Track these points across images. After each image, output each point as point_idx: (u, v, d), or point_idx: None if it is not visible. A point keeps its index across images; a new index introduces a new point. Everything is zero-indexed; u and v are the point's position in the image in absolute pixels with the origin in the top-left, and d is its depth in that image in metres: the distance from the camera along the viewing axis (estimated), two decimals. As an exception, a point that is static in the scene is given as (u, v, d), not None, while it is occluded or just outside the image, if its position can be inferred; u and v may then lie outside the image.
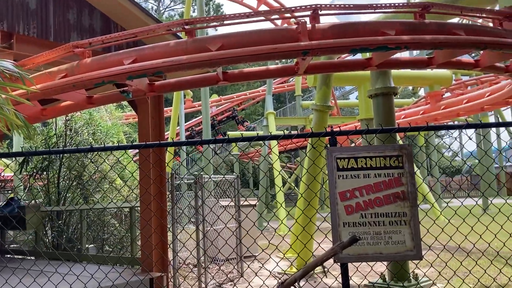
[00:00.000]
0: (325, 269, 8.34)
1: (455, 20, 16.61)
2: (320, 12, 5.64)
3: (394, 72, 13.81)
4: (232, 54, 5.32)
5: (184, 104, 27.78)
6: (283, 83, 31.82)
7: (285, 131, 29.13)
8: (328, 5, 5.73)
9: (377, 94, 8.57)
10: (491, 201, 3.83)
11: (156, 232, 7.88)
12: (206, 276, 8.71)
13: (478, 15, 6.54)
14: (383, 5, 5.88)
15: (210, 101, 31.90)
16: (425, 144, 29.49)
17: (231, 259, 10.23)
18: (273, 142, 19.47)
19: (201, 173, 9.13)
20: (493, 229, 3.96)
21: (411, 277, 7.89)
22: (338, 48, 5.40)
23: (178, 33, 8.47)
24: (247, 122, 33.75)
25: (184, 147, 26.50)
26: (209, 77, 6.35)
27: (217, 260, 10.70)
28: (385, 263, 7.72)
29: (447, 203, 3.80)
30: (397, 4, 5.96)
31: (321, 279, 8.24)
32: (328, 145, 3.18)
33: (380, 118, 8.52)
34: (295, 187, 30.88)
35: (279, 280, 2.60)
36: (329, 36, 5.60)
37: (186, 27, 5.64)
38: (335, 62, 6.65)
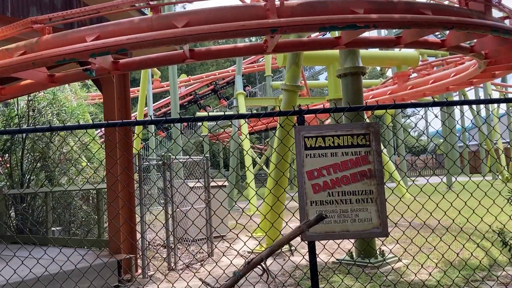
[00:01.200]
0: (292, 248, 8.42)
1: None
2: (287, -11, 5.55)
3: (362, 52, 13.88)
4: (199, 31, 5.18)
5: (152, 84, 27.29)
6: (253, 63, 31.61)
7: (254, 111, 29.09)
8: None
9: (346, 74, 8.58)
10: (455, 178, 3.90)
11: (122, 213, 7.76)
12: (175, 257, 8.66)
13: (444, -5, 6.56)
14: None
15: (179, 81, 31.47)
16: (392, 124, 29.98)
17: (200, 240, 10.20)
18: (242, 122, 19.41)
19: (169, 154, 8.99)
20: (457, 206, 4.06)
21: (377, 254, 8.06)
22: (307, 26, 5.33)
23: (144, 10, 8.23)
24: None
25: (153, 129, 26.09)
26: (176, 55, 6.19)
27: (186, 241, 10.65)
28: (352, 240, 7.86)
29: (413, 181, 3.86)
30: (366, -17, 5.91)
31: (289, 257, 8.31)
32: (296, 124, 3.14)
33: (348, 98, 8.56)
34: (265, 168, 31.01)
35: (246, 260, 2.57)
36: (298, 14, 5.52)
37: (151, 3, 5.46)
38: (304, 41, 6.59)
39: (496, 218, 4.33)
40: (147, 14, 7.29)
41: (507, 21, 8.43)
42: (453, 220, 4.21)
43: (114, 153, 7.95)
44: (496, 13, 7.50)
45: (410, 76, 15.67)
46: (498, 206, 4.19)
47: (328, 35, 15.14)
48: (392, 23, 5.62)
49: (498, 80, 36.11)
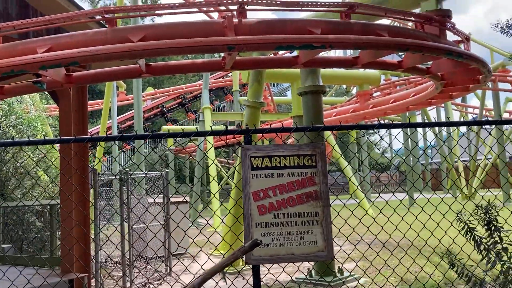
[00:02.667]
0: (226, 275, 8.26)
1: (387, 22, 17.21)
2: (246, 7, 5.55)
3: (326, 71, 14.10)
4: (154, 46, 5.10)
5: (117, 96, 26.85)
6: (221, 78, 31.62)
7: (222, 126, 28.99)
8: (255, 0, 5.64)
9: (306, 92, 8.65)
10: (422, 194, 3.93)
11: (75, 231, 7.48)
12: (130, 276, 8.40)
13: (401, 17, 6.73)
14: (310, 3, 5.88)
15: (145, 94, 31.08)
16: (356, 141, 30.46)
17: (158, 258, 9.96)
18: (210, 137, 19.28)
19: (128, 169, 8.78)
20: (418, 223, 4.10)
21: (336, 272, 8.05)
22: (264, 44, 5.34)
23: (102, 22, 8.08)
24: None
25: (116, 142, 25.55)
26: (132, 69, 6.08)
27: (145, 258, 10.38)
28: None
29: (377, 198, 3.86)
30: (323, 3, 5.98)
31: (231, 282, 8.21)
32: (243, 143, 3.09)
33: (309, 115, 8.61)
34: (232, 182, 30.81)
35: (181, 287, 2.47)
36: (256, 32, 5.52)
37: (106, 15, 5.35)
38: (261, 59, 6.60)
39: (452, 237, 4.38)
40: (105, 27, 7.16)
41: (462, 45, 8.70)
42: (414, 241, 4.23)
43: (69, 168, 7.69)
44: (453, 37, 7.73)
45: (373, 95, 15.99)
46: (455, 224, 4.24)
47: (295, 53, 15.33)
48: (348, 43, 5.68)
49: (458, 100, 37.36)
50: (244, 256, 2.94)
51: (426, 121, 30.24)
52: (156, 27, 5.66)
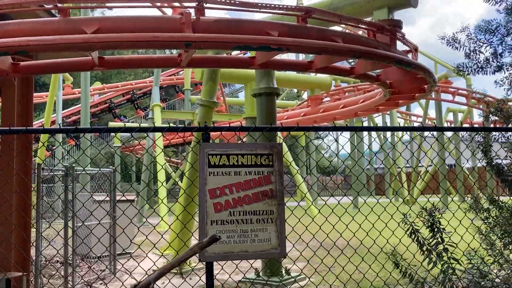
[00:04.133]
0: (182, 271, 8.19)
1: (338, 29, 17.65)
2: (205, 5, 5.53)
3: (279, 74, 14.27)
4: (108, 38, 4.97)
5: (63, 90, 25.86)
6: (172, 76, 31.19)
7: (171, 124, 28.63)
8: (214, -1, 5.63)
9: (261, 94, 8.71)
10: (364, 200, 4.07)
11: (16, 228, 7.13)
12: (74, 275, 8.12)
13: (355, 24, 6.93)
14: (269, 5, 5.94)
15: (92, 88, 30.12)
16: (306, 145, 31.02)
17: (104, 257, 9.68)
18: (157, 135, 18.97)
19: (74, 165, 8.48)
20: (364, 227, 4.24)
21: (283, 272, 8.16)
22: (222, 43, 5.33)
23: (53, 12, 7.76)
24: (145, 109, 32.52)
25: (60, 138, 24.59)
26: (83, 61, 5.89)
27: (89, 258, 10.06)
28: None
29: (328, 199, 3.95)
30: (282, 6, 6.07)
31: (184, 279, 8.14)
32: (201, 141, 3.08)
33: (262, 117, 8.68)
34: (180, 183, 30.49)
35: (133, 283, 2.43)
36: (213, 30, 5.51)
37: (59, 5, 5.15)
38: (218, 58, 6.59)
39: (399, 239, 4.56)
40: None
41: (410, 55, 9.07)
42: (355, 238, 4.36)
43: (11, 162, 7.32)
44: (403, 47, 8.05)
45: (323, 100, 16.35)
46: (400, 226, 4.41)
47: (249, 54, 15.41)
48: (304, 47, 5.79)
49: (403, 108, 38.92)
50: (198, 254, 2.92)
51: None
52: (112, 20, 5.51)
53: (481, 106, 20.96)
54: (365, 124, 36.44)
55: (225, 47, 5.49)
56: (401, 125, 37.45)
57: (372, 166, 33.23)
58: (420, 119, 32.81)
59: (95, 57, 5.65)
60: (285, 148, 21.34)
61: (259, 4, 5.85)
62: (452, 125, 29.52)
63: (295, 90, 41.91)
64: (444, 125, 29.40)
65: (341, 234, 4.23)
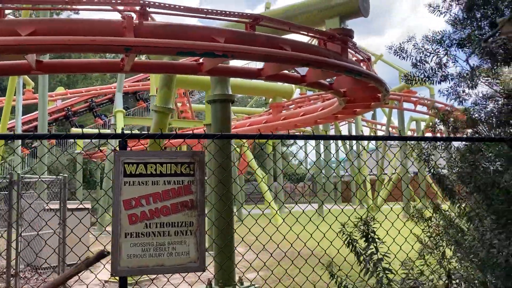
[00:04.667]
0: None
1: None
2: (148, 9, 5.41)
3: (239, 81, 14.21)
4: (44, 41, 4.79)
5: (24, 94, 25.06)
6: (138, 82, 30.70)
7: (133, 131, 28.13)
8: (158, 3, 5.51)
9: (215, 101, 8.60)
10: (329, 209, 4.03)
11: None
12: (18, 285, 7.78)
13: (305, 33, 6.93)
14: (215, 11, 5.86)
15: (55, 93, 29.37)
16: (272, 152, 31.04)
17: (53, 267, 9.33)
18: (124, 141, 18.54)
19: (16, 172, 8.15)
20: (328, 235, 4.19)
21: (236, 283, 8.02)
22: (164, 48, 5.22)
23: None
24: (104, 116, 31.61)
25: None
26: (20, 64, 5.66)
27: (38, 268, 9.68)
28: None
29: (294, 207, 3.86)
30: (228, 12, 5.99)
31: None
32: (117, 149, 2.94)
33: (217, 124, 8.57)
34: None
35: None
36: (157, 35, 5.39)
37: (-9, 4, 4.93)
38: (163, 63, 6.46)
39: (341, 248, 4.50)
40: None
41: (364, 65, 9.14)
42: (308, 247, 4.28)
43: None
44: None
45: (287, 107, 16.37)
46: (340, 235, 4.35)
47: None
48: (250, 54, 5.73)
49: (369, 117, 39.54)
50: (110, 267, 2.78)
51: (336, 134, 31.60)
52: (49, 22, 5.33)
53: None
54: (332, 132, 36.81)
55: (167, 52, 5.37)
56: (366, 133, 37.99)
57: (337, 175, 33.53)
58: (385, 127, 33.30)
59: (31, 61, 5.43)
60: (250, 155, 21.32)
61: (205, 10, 5.77)
62: (415, 134, 30.12)
63: (264, 98, 41.97)
64: (408, 134, 29.95)
65: (305, 244, 4.15)
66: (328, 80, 8.71)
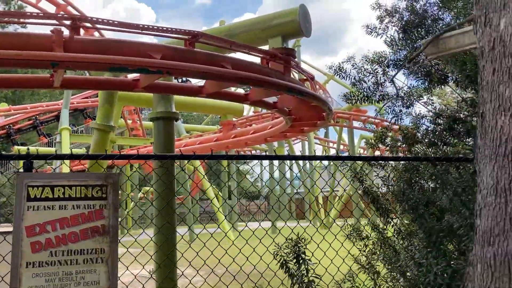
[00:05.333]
0: None
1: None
2: (79, 23, 5.20)
3: (189, 98, 14.04)
4: (-41, 55, 4.48)
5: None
6: (87, 98, 29.86)
7: (83, 149, 27.29)
8: (89, 18, 5.32)
9: (158, 118, 8.39)
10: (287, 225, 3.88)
11: None
12: None
13: (246, 51, 6.89)
14: (152, 27, 5.73)
15: (-4, 110, 28.08)
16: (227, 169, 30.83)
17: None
18: (67, 162, 17.87)
19: None
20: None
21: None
22: (94, 64, 5.01)
23: None
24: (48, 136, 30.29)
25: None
26: None
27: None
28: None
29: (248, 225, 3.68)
30: (167, 28, 5.87)
31: None
32: (20, 170, 2.72)
33: (159, 142, 8.34)
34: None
35: None
36: (89, 51, 5.18)
37: None
38: (96, 79, 6.23)
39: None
40: None
41: (308, 84, 9.20)
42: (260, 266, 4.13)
43: None
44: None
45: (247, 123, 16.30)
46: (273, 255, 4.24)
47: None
48: (187, 71, 5.61)
49: (321, 135, 40.19)
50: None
51: (289, 153, 31.86)
52: (-30, 34, 5.01)
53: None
54: (286, 149, 37.07)
55: (98, 68, 5.16)
56: (319, 152, 38.51)
57: (288, 193, 33.66)
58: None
59: None
60: (201, 174, 21.01)
61: (141, 26, 5.61)
62: (365, 152, 30.83)
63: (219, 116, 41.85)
64: (359, 151, 30.59)
65: (259, 262, 3.99)
66: (274, 99, 8.70)
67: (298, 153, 35.51)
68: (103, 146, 9.10)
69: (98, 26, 5.34)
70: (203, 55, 6.05)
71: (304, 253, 3.95)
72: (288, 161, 36.48)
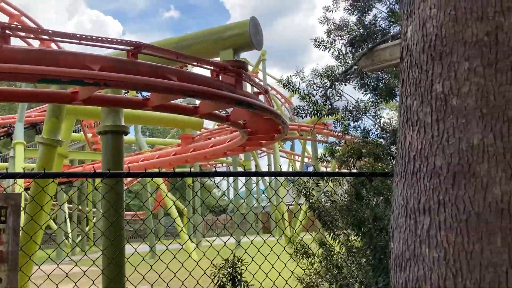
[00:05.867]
0: None
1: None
2: (8, 32, 4.91)
3: (147, 111, 13.70)
4: None
5: None
6: (45, 112, 28.89)
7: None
8: (20, 27, 5.02)
9: (106, 132, 8.06)
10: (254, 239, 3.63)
11: None
12: None
13: (194, 63, 6.71)
14: (90, 37, 5.47)
15: None
16: (192, 184, 30.39)
17: None
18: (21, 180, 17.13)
19: None
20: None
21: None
22: (23, 75, 4.72)
23: None
24: None
25: None
26: None
27: None
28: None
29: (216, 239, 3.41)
30: (106, 39, 5.63)
31: None
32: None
33: (108, 157, 8.01)
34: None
35: None
36: (22, 61, 4.89)
37: None
38: (23, 91, 5.95)
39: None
40: None
41: (264, 97, 9.08)
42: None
43: None
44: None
45: (194, 138, 16.04)
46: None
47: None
48: (127, 83, 5.38)
49: (288, 148, 40.30)
50: None
51: (256, 167, 31.77)
52: None
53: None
54: (252, 163, 36.92)
55: (28, 79, 4.87)
56: (285, 165, 38.56)
57: (251, 207, 33.42)
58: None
59: None
60: (164, 192, 20.52)
61: (79, 36, 5.36)
62: (329, 165, 31.00)
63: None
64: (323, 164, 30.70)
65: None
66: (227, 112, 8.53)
67: (264, 167, 35.47)
68: (50, 161, 8.68)
69: (28, 35, 5.05)
70: (146, 67, 5.84)
71: (240, 274, 3.75)
72: (254, 177, 36.28)
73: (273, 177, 28.08)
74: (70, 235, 27.28)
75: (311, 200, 5.04)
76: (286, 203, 29.34)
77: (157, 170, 3.51)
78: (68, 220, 29.34)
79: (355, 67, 5.48)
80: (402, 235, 1.79)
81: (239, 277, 3.75)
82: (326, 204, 5.17)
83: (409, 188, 1.76)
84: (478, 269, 1.55)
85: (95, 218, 31.04)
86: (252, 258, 3.86)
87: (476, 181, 1.57)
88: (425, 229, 1.67)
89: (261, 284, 3.97)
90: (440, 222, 1.64)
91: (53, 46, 12.90)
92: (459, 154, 1.60)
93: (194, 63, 6.68)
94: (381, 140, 5.88)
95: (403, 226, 1.79)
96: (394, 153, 5.62)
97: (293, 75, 6.40)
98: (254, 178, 39.96)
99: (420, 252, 1.70)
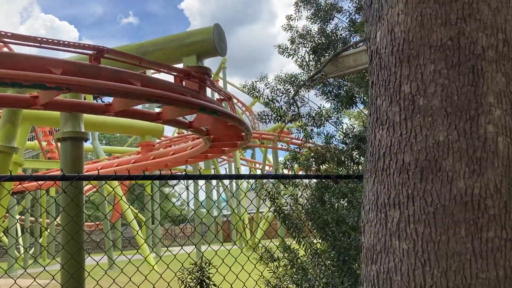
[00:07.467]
0: None
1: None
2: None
3: (104, 118, 13.44)
4: None
5: None
6: None
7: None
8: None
9: (65, 138, 7.85)
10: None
11: None
12: None
13: (157, 69, 6.68)
14: (51, 40, 5.36)
15: None
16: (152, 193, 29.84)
17: None
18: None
19: None
20: None
21: None
22: (-20, 78, 4.56)
23: None
24: None
25: None
26: None
27: None
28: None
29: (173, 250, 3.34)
30: (68, 43, 5.52)
31: None
32: None
33: (67, 165, 7.79)
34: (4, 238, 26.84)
35: None
36: (-22, 64, 4.72)
37: None
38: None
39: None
40: None
41: (228, 104, 9.12)
42: None
43: None
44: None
45: (155, 146, 15.84)
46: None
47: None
48: (90, 88, 5.31)
49: (248, 156, 40.43)
50: None
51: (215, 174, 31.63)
52: None
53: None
54: (213, 171, 36.72)
55: (-15, 82, 4.70)
56: (244, 173, 38.59)
57: (211, 215, 33.26)
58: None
59: None
60: (123, 202, 20.13)
61: (39, 39, 5.23)
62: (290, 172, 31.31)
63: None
64: (284, 171, 30.96)
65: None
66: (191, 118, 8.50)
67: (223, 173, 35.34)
68: (4, 169, 8.36)
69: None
70: (109, 71, 5.77)
71: (208, 278, 3.76)
72: (214, 183, 36.19)
73: (235, 187, 27.92)
74: (21, 248, 26.17)
75: (275, 204, 5.10)
76: (248, 212, 29.37)
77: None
78: (19, 232, 28.18)
79: (321, 73, 5.62)
80: (373, 229, 1.87)
81: (207, 280, 3.75)
82: (292, 208, 5.24)
83: (379, 184, 1.84)
84: (444, 258, 1.65)
85: (49, 229, 29.96)
86: (217, 269, 3.88)
87: (442, 176, 1.67)
88: (395, 222, 1.76)
89: (231, 285, 3.99)
90: (409, 215, 1.73)
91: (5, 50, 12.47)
92: (426, 151, 1.70)
93: (158, 69, 6.64)
94: (343, 145, 6.03)
95: (374, 220, 1.87)
96: (355, 158, 5.78)
97: (257, 81, 6.48)
98: (215, 187, 39.76)
99: (390, 244, 1.79)
